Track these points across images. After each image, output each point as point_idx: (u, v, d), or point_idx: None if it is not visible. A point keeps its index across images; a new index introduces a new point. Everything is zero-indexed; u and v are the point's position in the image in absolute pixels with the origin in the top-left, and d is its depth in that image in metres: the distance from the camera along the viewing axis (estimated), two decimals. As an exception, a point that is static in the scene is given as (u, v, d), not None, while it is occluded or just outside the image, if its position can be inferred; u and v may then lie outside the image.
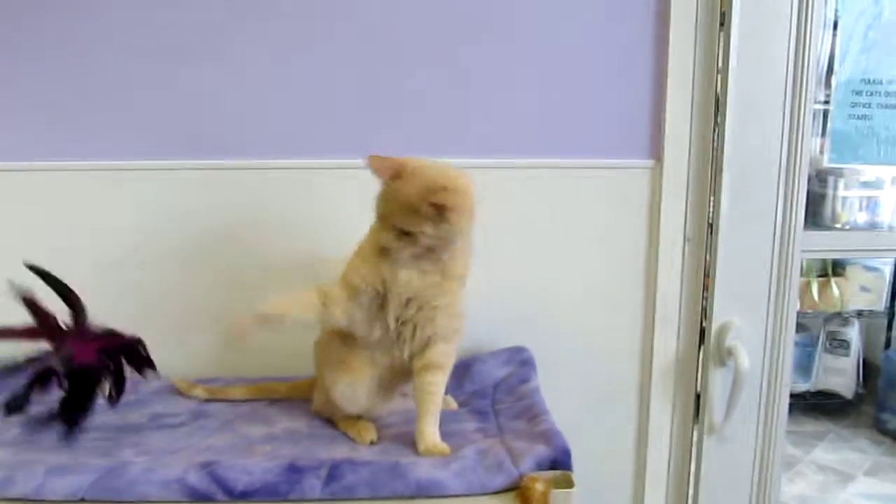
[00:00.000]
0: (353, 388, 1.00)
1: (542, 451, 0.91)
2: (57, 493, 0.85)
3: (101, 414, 1.09)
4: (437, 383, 0.98)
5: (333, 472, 0.87)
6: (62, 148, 1.25)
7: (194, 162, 1.25)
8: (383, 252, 0.94)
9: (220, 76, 1.22)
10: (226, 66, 1.22)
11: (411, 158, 0.94)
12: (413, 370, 0.99)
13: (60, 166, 1.24)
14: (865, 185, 1.54)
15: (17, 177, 1.25)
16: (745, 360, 1.24)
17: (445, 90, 1.24)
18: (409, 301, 0.95)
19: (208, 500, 0.86)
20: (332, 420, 1.06)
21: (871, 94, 1.30)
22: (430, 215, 0.89)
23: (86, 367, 0.97)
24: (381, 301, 0.96)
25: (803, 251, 1.27)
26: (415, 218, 0.90)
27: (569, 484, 0.88)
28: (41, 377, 0.94)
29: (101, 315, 1.25)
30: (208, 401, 1.16)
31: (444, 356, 0.98)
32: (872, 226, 1.58)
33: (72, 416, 0.96)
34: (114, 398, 1.05)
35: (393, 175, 0.92)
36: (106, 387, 1.02)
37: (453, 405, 1.14)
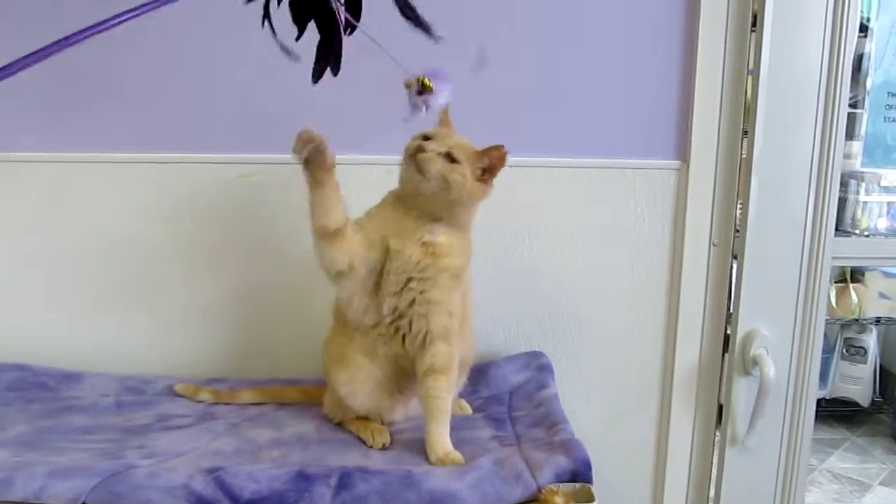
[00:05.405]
0: (353, 381, 0.99)
1: (561, 462, 0.87)
2: (58, 496, 0.82)
3: (106, 415, 1.07)
4: (439, 388, 0.95)
5: (344, 481, 0.84)
6: (59, 140, 1.23)
7: (194, 155, 1.22)
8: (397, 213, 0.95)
9: (215, 71, 1.19)
10: (222, 61, 1.19)
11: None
12: (418, 375, 0.97)
13: (58, 157, 1.22)
14: (886, 190, 1.49)
15: (15, 167, 1.23)
16: (772, 369, 1.20)
17: (467, 89, 1.20)
18: (405, 283, 0.93)
19: (214, 507, 0.82)
20: (343, 423, 1.04)
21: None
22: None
23: None
24: (377, 279, 0.95)
25: (833, 258, 1.23)
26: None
27: (589, 497, 0.85)
28: None
29: (104, 309, 1.22)
30: (215, 404, 1.13)
31: (443, 358, 0.96)
32: (893, 232, 1.54)
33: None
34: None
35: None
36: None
37: (468, 410, 1.10)
